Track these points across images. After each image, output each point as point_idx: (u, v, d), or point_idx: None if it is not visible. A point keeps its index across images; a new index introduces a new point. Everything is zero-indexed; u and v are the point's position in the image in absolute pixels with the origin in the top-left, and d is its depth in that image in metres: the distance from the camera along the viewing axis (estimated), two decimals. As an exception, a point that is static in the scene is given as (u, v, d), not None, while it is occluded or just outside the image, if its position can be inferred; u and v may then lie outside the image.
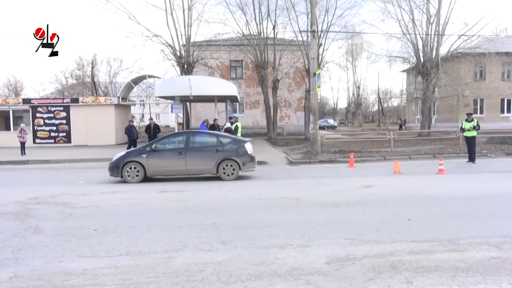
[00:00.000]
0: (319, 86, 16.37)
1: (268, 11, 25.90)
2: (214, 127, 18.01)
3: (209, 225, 5.88)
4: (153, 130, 18.65)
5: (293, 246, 4.82)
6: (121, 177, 10.74)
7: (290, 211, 6.87)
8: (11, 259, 4.59)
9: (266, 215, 6.57)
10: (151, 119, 20.08)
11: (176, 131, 19.69)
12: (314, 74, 16.05)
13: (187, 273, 4.06)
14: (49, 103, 25.93)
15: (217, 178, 10.97)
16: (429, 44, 26.18)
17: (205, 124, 18.55)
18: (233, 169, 10.96)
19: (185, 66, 25.23)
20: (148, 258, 4.53)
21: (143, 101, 30.87)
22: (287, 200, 7.79)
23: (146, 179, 10.85)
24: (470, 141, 13.76)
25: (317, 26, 18.17)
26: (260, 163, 13.65)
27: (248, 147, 11.28)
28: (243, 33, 26.66)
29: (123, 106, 27.55)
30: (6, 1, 76.82)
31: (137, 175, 10.75)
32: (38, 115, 25.13)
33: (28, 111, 25.26)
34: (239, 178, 11.00)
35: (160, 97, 23.75)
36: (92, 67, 41.00)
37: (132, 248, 4.89)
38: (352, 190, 8.72)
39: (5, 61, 78.31)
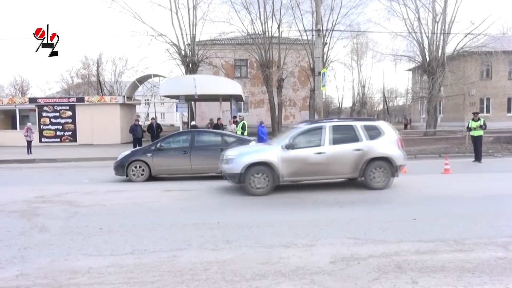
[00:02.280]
0: (324, 85, 16.32)
1: (273, 10, 25.87)
2: (218, 126, 18.03)
3: (213, 224, 5.88)
4: (155, 129, 18.86)
5: (298, 245, 4.81)
6: (126, 176, 10.78)
7: (295, 210, 6.86)
8: (18, 257, 4.62)
9: (270, 214, 6.58)
10: (153, 118, 20.40)
11: (181, 130, 19.75)
12: (319, 73, 16.00)
13: (191, 272, 4.07)
14: (55, 102, 26.12)
15: (222, 177, 10.94)
16: (435, 42, 26.01)
17: (263, 125, 17.51)
18: (238, 168, 10.94)
19: (190, 65, 25.27)
20: (153, 256, 4.54)
21: (148, 100, 30.97)
22: (291, 199, 7.78)
23: (151, 178, 10.87)
24: (477, 141, 13.65)
25: (322, 25, 18.12)
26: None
27: (253, 146, 11.26)
28: (248, 32, 26.64)
29: (128, 105, 27.67)
30: (13, 1, 77.41)
31: (142, 174, 10.78)
32: (44, 114, 25.30)
33: (34, 110, 25.45)
34: (243, 177, 10.96)
35: (165, 96, 23.85)
36: (98, 66, 41.23)
37: (137, 246, 4.91)
38: (357, 190, 8.69)
39: (12, 60, 78.93)
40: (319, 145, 8.38)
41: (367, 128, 8.68)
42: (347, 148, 8.41)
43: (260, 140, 16.06)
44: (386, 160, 8.52)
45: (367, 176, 8.46)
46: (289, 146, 8.29)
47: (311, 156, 8.25)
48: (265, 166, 8.25)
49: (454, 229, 5.35)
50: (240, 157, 8.45)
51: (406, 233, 5.23)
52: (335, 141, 8.44)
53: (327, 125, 8.65)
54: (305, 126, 8.92)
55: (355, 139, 8.51)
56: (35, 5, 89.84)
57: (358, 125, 8.72)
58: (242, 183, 8.33)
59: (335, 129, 8.63)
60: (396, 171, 8.61)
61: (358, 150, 8.40)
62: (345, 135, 8.59)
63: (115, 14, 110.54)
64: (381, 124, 9.04)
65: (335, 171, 8.52)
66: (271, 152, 8.41)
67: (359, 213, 6.44)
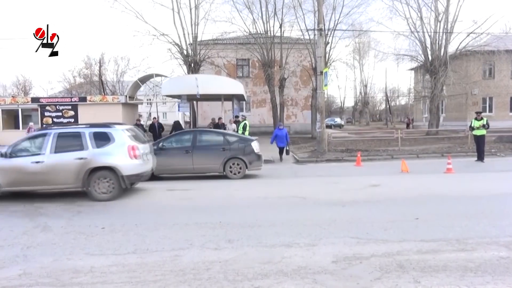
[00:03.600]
0: (326, 85, 16.30)
1: (275, 9, 25.83)
2: (218, 126, 18.04)
3: (216, 224, 5.89)
4: (157, 129, 18.93)
5: (300, 245, 4.81)
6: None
7: (297, 210, 6.86)
8: (20, 256, 4.64)
9: (272, 213, 6.58)
10: (154, 118, 20.50)
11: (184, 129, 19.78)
12: (321, 72, 15.99)
13: (194, 271, 4.08)
14: (57, 102, 26.16)
15: (224, 177, 10.98)
16: (437, 42, 25.94)
17: (281, 127, 15.76)
18: (240, 168, 10.96)
19: (192, 65, 25.28)
20: (155, 256, 4.55)
21: (150, 100, 31.01)
22: (293, 199, 7.78)
23: (153, 177, 10.85)
24: (479, 140, 13.61)
25: (324, 24, 18.09)
26: (267, 161, 13.64)
27: (255, 145, 11.28)
28: (249, 31, 26.63)
29: (131, 105, 27.68)
30: (16, 0, 77.63)
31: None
32: (46, 114, 25.34)
33: (37, 109, 25.49)
34: (245, 176, 11.00)
35: (167, 96, 23.85)
36: (100, 66, 41.22)
37: (139, 246, 4.92)
38: (359, 189, 8.68)
39: (14, 60, 79.17)
40: (39, 154, 7.98)
41: (96, 136, 8.23)
42: (69, 157, 7.96)
43: (279, 143, 14.97)
44: (111, 169, 8.02)
45: (91, 186, 7.99)
46: (7, 155, 7.96)
47: (28, 165, 7.87)
48: None
49: (456, 229, 5.34)
50: None
51: (408, 233, 5.22)
52: (59, 150, 8.01)
53: (52, 133, 8.19)
54: (31, 133, 8.50)
55: (81, 147, 8.07)
56: (36, 5, 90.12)
57: (87, 132, 8.23)
58: None
59: (60, 136, 8.17)
60: (124, 181, 8.06)
61: (81, 159, 7.94)
62: (71, 143, 8.14)
63: (117, 14, 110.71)
64: (113, 131, 8.40)
65: (56, 181, 8.02)
66: None
67: (361, 213, 6.43)
